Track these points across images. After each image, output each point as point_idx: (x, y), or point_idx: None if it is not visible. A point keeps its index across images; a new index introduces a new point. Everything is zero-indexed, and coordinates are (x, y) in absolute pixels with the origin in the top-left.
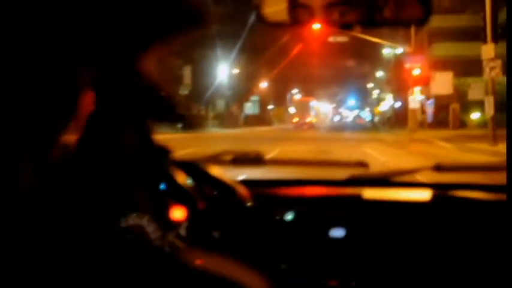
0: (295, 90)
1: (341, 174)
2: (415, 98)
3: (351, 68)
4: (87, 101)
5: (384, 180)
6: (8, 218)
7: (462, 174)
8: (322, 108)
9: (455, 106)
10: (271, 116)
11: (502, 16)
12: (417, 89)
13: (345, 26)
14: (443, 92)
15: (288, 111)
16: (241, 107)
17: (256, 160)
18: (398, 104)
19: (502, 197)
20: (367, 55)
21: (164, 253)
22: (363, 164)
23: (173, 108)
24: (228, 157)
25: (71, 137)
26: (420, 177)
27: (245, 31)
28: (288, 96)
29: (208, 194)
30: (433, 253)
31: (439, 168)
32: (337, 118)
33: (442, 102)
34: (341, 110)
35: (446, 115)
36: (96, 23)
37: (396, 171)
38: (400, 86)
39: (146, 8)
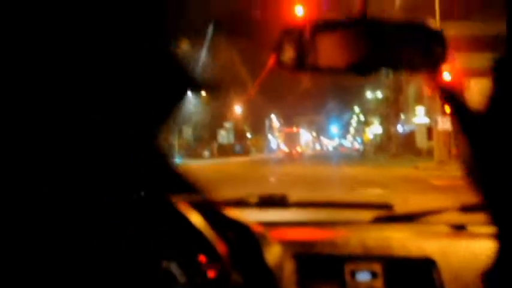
0: (273, 117)
1: (366, 216)
2: (445, 117)
3: (336, 87)
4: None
5: (409, 221)
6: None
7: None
8: (304, 137)
9: None
10: (248, 145)
11: None
12: (420, 109)
13: (359, 71)
14: (480, 107)
15: (268, 140)
16: (213, 135)
17: (281, 202)
18: (400, 128)
19: None
20: None
21: None
22: (387, 206)
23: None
24: (253, 200)
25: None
26: (446, 218)
27: (211, 47)
28: (267, 124)
29: (230, 237)
30: None
31: (465, 209)
32: (317, 146)
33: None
34: (321, 138)
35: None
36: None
37: (421, 212)
38: (399, 105)
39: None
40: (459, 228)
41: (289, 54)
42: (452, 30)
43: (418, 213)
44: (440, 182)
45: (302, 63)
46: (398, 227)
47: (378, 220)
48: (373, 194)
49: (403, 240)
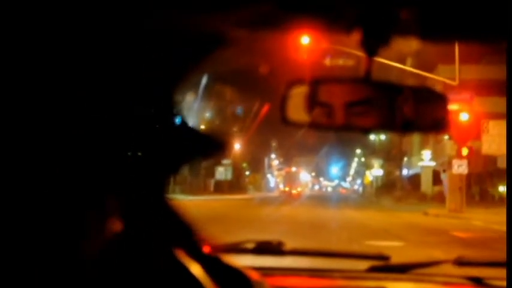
0: (273, 155)
1: (362, 265)
2: (461, 160)
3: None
4: (114, 227)
5: (405, 271)
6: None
7: (484, 269)
8: (304, 178)
9: None
10: (246, 183)
11: None
12: (427, 153)
13: (365, 130)
14: (500, 152)
15: (267, 178)
16: (210, 171)
17: (278, 249)
18: (404, 171)
19: None
20: None
21: None
22: (383, 257)
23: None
24: (250, 245)
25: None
26: (441, 271)
27: (210, 80)
28: (266, 162)
29: (227, 284)
30: None
31: (460, 262)
32: (316, 187)
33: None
34: (321, 179)
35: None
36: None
37: (416, 264)
38: (402, 148)
39: (175, 142)
40: (476, 282)
41: (292, 110)
42: (471, 74)
43: (414, 264)
44: (463, 234)
45: (305, 119)
46: (394, 277)
47: (374, 270)
48: (389, 248)
49: None
